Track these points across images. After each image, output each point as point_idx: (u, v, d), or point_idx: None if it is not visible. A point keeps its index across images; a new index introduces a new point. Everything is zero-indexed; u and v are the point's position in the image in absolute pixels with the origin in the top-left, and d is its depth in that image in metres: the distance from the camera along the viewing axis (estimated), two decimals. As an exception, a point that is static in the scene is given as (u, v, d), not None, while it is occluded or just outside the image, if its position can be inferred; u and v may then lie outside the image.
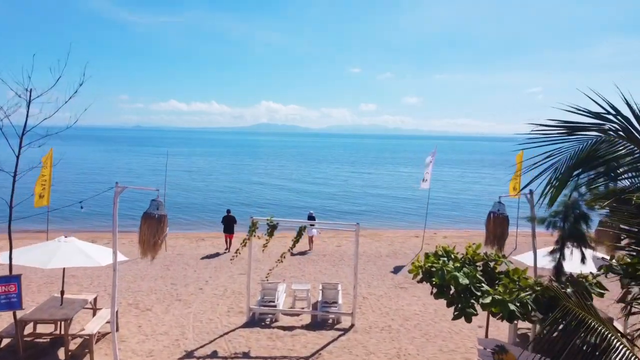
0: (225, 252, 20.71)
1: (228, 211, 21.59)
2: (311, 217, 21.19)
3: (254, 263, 16.10)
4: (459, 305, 7.72)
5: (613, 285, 6.88)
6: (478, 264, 9.44)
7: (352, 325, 12.12)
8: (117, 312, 11.34)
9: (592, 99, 5.07)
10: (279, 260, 12.12)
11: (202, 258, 19.04)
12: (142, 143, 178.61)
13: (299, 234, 11.66)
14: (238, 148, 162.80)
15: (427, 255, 9.43)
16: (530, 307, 6.70)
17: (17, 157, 8.32)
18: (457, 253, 10.08)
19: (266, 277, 13.09)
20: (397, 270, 17.68)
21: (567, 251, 7.29)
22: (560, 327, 4.74)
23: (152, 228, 8.56)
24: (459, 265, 9.18)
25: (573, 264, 6.98)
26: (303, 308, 13.30)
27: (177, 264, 18.02)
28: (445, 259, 9.97)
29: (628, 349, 4.24)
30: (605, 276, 6.34)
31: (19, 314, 9.44)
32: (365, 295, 14.63)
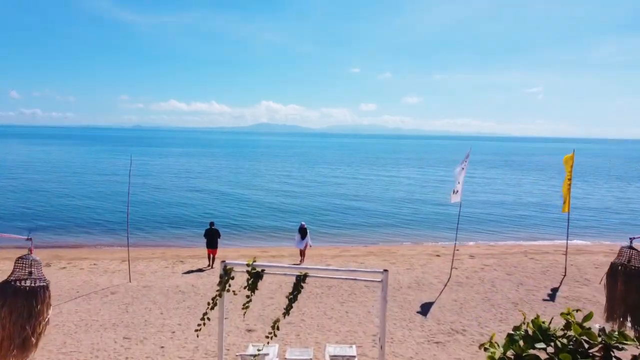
0: (208, 268, 18.35)
1: (211, 224, 19.50)
2: (303, 229, 19.82)
3: (237, 298, 12.06)
4: None
5: None
6: (593, 350, 5.22)
7: (378, 422, 8.08)
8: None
9: None
10: (270, 333, 8.01)
11: (176, 292, 14.95)
12: (139, 143, 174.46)
13: (298, 288, 7.63)
14: (234, 148, 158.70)
15: (511, 339, 5.10)
16: None
17: None
18: (555, 329, 5.64)
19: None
20: (425, 310, 13.61)
21: None
22: None
23: (18, 313, 4.53)
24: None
25: None
26: (303, 386, 9.26)
27: (140, 301, 13.94)
28: (543, 344, 5.52)
29: None
30: None
31: None
32: (389, 358, 10.56)
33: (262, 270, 7.67)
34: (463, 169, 16.07)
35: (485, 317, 13.02)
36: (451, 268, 17.55)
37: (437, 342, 11.33)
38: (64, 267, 17.95)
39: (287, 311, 7.65)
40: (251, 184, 54.91)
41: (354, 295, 14.78)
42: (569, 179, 17.29)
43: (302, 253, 20.05)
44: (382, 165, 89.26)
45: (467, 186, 56.42)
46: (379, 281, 7.76)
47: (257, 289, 7.67)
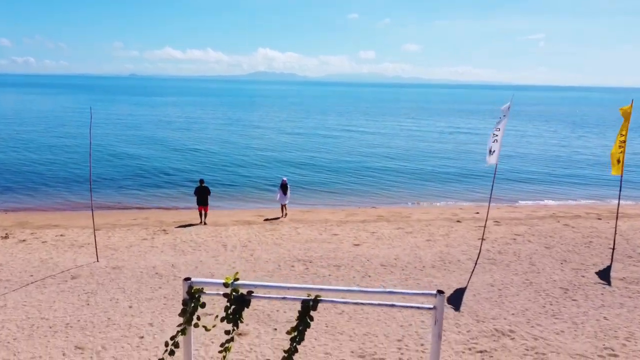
0: (199, 224, 18.09)
1: (201, 181, 18.96)
2: (284, 185, 19.66)
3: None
4: None
5: None
6: None
7: None
8: None
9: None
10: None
11: (152, 275, 12.31)
12: (131, 92, 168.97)
13: (304, 320, 4.88)
14: (229, 98, 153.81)
15: None
16: None
17: None
18: None
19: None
20: (457, 299, 11.02)
21: None
22: None
23: None
24: None
25: None
26: None
27: (106, 289, 11.32)
28: None
29: None
30: None
31: None
32: (423, 379, 8.03)
33: (249, 293, 4.90)
34: (501, 124, 13.05)
35: (533, 309, 10.47)
36: (481, 240, 14.88)
37: (480, 352, 8.76)
38: (24, 240, 15.26)
39: (288, 356, 4.93)
40: (245, 136, 51.81)
41: (368, 279, 12.21)
42: (624, 134, 14.31)
43: (284, 207, 20.03)
44: (382, 116, 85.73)
45: (474, 137, 53.33)
46: (429, 308, 5.01)
47: (241, 321, 4.94)
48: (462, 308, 10.58)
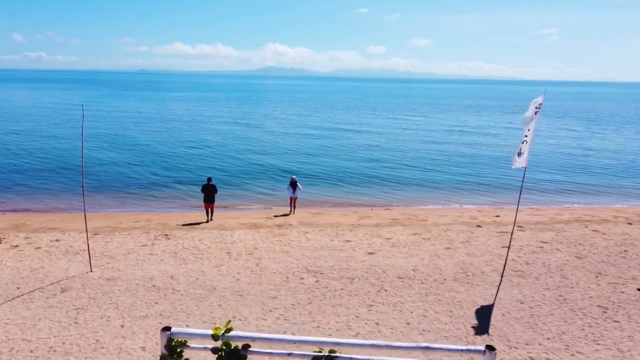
0: (205, 222, 18.32)
1: (209, 179, 18.90)
2: (294, 183, 19.91)
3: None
4: None
5: None
6: None
7: None
8: None
9: None
10: None
11: (148, 288, 11.31)
12: (141, 87, 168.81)
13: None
14: (238, 93, 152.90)
15: None
16: None
17: None
18: None
19: None
20: (484, 318, 9.88)
21: None
22: None
23: None
24: None
25: None
26: None
27: (98, 304, 10.33)
28: None
29: None
30: None
31: None
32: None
33: (245, 347, 3.84)
34: (531, 124, 11.82)
35: (571, 332, 9.31)
36: (508, 249, 13.67)
37: (517, 386, 7.64)
38: (16, 246, 14.35)
39: None
40: (252, 134, 50.84)
41: (384, 293, 11.10)
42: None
43: (294, 203, 20.21)
44: (392, 112, 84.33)
45: (486, 137, 51.68)
46: (477, 367, 3.91)
47: (235, 383, 3.87)
48: (490, 330, 9.44)
